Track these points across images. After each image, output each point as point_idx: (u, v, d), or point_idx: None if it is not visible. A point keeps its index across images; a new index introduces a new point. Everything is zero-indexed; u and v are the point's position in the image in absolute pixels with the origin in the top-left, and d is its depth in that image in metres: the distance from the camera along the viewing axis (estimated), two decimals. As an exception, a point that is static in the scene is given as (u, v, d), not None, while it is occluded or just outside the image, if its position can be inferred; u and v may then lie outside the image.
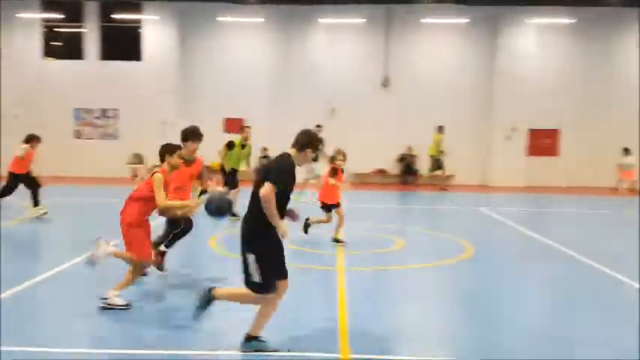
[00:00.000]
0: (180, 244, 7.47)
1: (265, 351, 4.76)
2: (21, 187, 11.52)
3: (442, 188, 19.58)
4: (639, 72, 21.12)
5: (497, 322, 5.97)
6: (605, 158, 20.68)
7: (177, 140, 7.09)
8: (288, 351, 4.83)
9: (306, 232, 9.65)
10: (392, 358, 4.98)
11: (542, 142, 21.90)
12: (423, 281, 7.80)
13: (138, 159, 21.87)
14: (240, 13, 21.21)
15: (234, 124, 19.15)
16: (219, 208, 5.43)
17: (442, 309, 6.58)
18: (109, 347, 5.02)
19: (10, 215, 11.38)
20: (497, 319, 6.07)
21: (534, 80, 20.95)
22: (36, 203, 11.59)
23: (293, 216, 5.09)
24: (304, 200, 13.95)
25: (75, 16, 21.52)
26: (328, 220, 9.65)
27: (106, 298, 5.88)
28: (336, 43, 21.63)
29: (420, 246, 10.12)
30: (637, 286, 7.33)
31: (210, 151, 16.59)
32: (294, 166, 4.83)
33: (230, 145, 12.02)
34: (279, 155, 4.90)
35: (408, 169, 21.67)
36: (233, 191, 11.72)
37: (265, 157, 19.77)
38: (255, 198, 4.71)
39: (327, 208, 9.57)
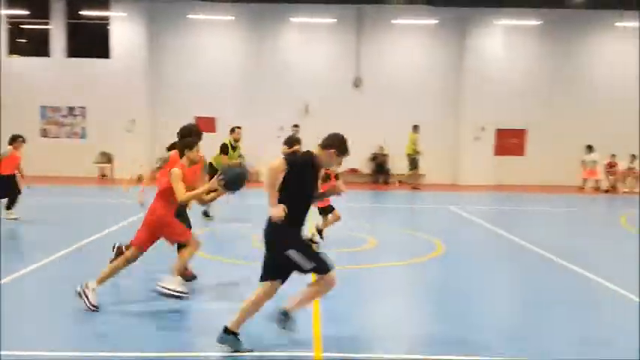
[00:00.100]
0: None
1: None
2: None
3: (414, 187, 19.78)
4: (605, 73, 21.74)
5: (467, 318, 6.07)
6: (570, 157, 21.17)
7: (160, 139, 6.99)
8: (252, 351, 4.84)
9: (321, 238, 9.55)
10: (365, 356, 5.03)
11: (510, 142, 22.31)
12: (395, 279, 7.90)
13: (106, 158, 21.58)
14: (211, 11, 21.07)
15: (205, 123, 18.99)
16: (238, 177, 5.50)
17: (414, 306, 6.67)
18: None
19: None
20: (467, 315, 6.18)
21: (502, 81, 21.31)
22: (9, 207, 11.35)
23: (335, 192, 5.33)
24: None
25: (41, 12, 21.10)
26: (335, 219, 9.60)
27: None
28: (309, 42, 21.66)
29: (392, 244, 10.22)
30: (601, 281, 7.54)
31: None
32: (311, 161, 4.82)
33: (225, 150, 11.62)
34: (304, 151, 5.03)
35: (379, 169, 21.84)
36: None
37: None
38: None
39: (323, 211, 9.55)
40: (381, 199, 18.12)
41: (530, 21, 21.34)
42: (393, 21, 21.33)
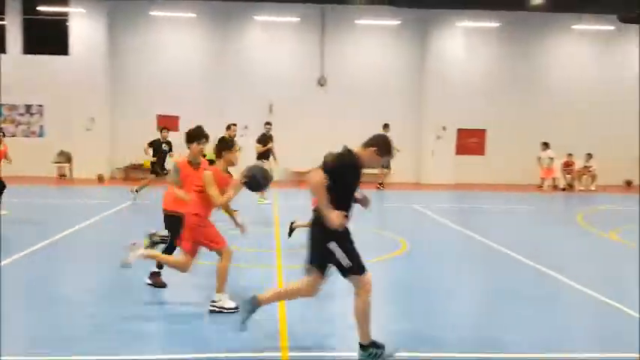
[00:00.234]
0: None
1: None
2: None
3: (379, 185, 19.91)
4: (561, 74, 22.34)
5: (432, 316, 6.17)
6: (529, 157, 21.66)
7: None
8: (227, 352, 4.83)
9: (290, 235, 9.48)
10: (331, 354, 5.06)
11: (470, 142, 22.72)
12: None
13: (65, 157, 21.08)
14: (173, 8, 20.79)
15: (167, 121, 18.74)
16: (261, 177, 5.59)
17: (379, 304, 6.72)
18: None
19: None
20: (431, 313, 6.28)
21: (462, 81, 21.65)
22: None
23: (364, 202, 5.21)
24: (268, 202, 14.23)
25: (-5, 7, 20.47)
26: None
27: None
28: (272, 41, 21.60)
29: (358, 243, 10.24)
30: (557, 276, 7.77)
31: (139, 149, 16.12)
32: (353, 161, 4.81)
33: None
34: (341, 150, 4.91)
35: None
36: None
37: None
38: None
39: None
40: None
41: (490, 23, 21.76)
42: (356, 21, 21.45)
